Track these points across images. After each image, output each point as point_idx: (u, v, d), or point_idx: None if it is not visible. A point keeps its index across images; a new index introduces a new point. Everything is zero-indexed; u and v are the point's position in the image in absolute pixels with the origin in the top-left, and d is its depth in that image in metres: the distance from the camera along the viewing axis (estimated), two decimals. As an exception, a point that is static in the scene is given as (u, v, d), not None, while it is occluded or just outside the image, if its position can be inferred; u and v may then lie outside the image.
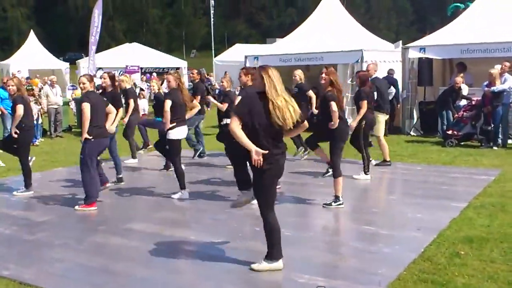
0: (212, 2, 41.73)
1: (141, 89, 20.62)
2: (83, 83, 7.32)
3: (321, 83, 7.39)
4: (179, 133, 7.80)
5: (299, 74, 10.41)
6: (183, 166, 8.01)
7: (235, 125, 4.59)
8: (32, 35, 28.45)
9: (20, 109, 8.02)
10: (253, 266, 4.94)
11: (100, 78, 15.20)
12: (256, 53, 17.70)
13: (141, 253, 5.53)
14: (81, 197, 7.63)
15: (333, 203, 7.01)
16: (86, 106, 7.13)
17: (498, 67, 11.78)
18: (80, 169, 7.32)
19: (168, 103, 7.64)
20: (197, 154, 11.24)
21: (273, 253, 4.86)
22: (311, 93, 10.21)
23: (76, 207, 7.31)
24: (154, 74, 25.54)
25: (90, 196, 7.28)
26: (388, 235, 5.95)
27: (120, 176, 8.94)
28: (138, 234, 6.20)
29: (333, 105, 7.05)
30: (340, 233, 6.39)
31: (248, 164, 5.08)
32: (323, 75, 7.25)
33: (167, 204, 7.57)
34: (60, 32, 65.47)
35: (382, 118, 9.67)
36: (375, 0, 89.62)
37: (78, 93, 17.76)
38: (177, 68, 28.37)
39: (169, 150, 7.91)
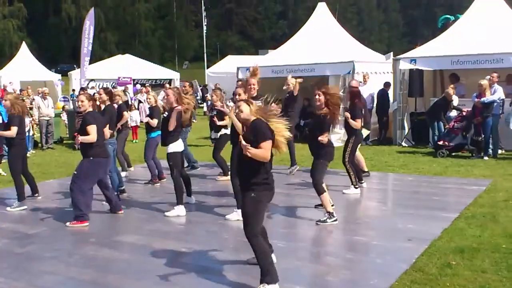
0: (204, 14, 41.92)
1: (140, 102, 20.63)
2: (81, 101, 7.23)
3: (317, 105, 7.20)
4: (177, 146, 7.73)
5: (292, 83, 10.24)
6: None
7: (269, 150, 4.59)
8: (24, 47, 28.44)
9: (13, 131, 8.00)
10: None
11: (91, 88, 14.98)
12: (249, 64, 17.72)
13: (131, 265, 5.50)
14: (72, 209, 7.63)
15: (328, 220, 6.92)
16: (93, 129, 7.03)
17: (483, 82, 11.85)
18: (71, 186, 7.13)
19: (173, 122, 7.58)
20: (190, 166, 11.29)
21: (272, 276, 4.58)
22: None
23: (67, 223, 7.13)
24: (147, 86, 25.54)
25: (80, 214, 7.11)
26: (380, 245, 5.95)
27: (122, 188, 8.98)
28: (129, 246, 6.17)
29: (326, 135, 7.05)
30: (331, 243, 6.38)
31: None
32: (317, 96, 7.08)
33: (158, 216, 7.53)
34: (52, 44, 65.25)
35: (363, 132, 9.71)
36: (366, 12, 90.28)
37: (60, 105, 17.69)
38: (170, 80, 28.44)
39: (170, 164, 7.67)
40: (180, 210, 7.59)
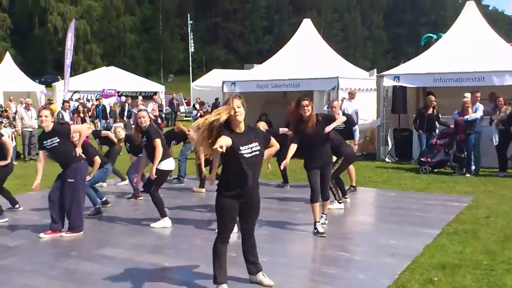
0: (190, 27, 41.99)
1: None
2: (45, 116, 7.06)
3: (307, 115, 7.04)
4: (170, 164, 7.71)
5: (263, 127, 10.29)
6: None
7: None
8: (8, 57, 28.22)
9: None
10: None
11: (75, 100, 14.84)
12: (234, 78, 17.83)
13: (113, 279, 5.44)
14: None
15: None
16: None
17: (468, 95, 12.04)
18: (73, 194, 7.05)
19: (158, 142, 7.47)
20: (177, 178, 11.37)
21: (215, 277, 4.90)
22: (282, 130, 10.26)
23: (63, 233, 7.11)
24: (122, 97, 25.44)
25: (80, 224, 7.18)
26: (362, 261, 5.97)
27: (103, 199, 8.93)
28: (111, 260, 6.11)
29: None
30: (314, 259, 6.39)
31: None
32: (306, 107, 6.93)
33: (142, 229, 7.48)
34: (37, 55, 64.96)
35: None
36: (351, 29, 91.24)
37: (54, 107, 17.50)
38: (155, 93, 28.39)
39: (156, 179, 7.53)
40: (165, 221, 7.58)
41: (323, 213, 7.41)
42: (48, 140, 7.11)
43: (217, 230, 4.88)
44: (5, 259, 6.16)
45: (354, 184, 10.07)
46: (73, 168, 7.15)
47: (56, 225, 7.19)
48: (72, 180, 7.11)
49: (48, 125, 7.10)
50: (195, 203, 9.24)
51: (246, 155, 4.65)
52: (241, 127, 4.74)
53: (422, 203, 9.04)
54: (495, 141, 11.63)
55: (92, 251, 6.45)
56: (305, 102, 6.83)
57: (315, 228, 7.04)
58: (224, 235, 4.85)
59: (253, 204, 4.91)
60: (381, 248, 6.40)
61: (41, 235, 7.07)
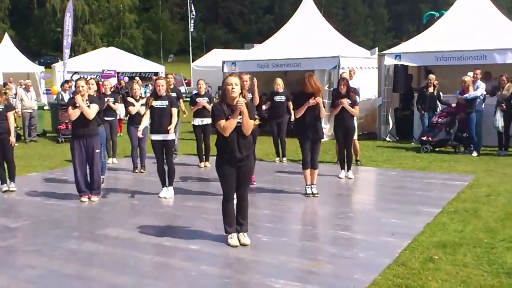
0: (190, 7, 41.63)
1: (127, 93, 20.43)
2: (82, 86, 7.75)
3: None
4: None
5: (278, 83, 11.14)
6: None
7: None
8: (6, 38, 28.04)
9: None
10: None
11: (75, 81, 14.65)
12: (234, 58, 17.72)
13: (115, 259, 5.47)
14: (56, 203, 7.77)
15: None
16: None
17: (471, 74, 11.98)
18: (96, 162, 7.86)
19: (175, 111, 8.05)
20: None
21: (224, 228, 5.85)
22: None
23: (94, 198, 7.96)
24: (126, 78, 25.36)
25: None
26: (363, 240, 5.99)
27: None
28: (113, 240, 6.13)
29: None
30: (315, 238, 6.40)
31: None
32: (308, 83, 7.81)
33: (143, 210, 7.51)
34: (36, 36, 64.53)
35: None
36: (352, 7, 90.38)
37: (55, 89, 17.38)
38: (156, 73, 28.25)
39: (170, 149, 8.12)
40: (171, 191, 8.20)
41: (312, 184, 8.03)
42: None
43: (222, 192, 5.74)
44: (7, 240, 6.18)
45: (358, 158, 10.60)
46: (98, 139, 7.99)
47: (85, 192, 7.99)
48: (98, 151, 7.95)
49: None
50: (195, 183, 9.24)
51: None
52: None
53: (423, 182, 9.05)
54: (501, 126, 11.49)
55: (94, 231, 6.47)
56: (308, 75, 7.82)
57: (305, 190, 8.00)
58: (226, 195, 5.72)
59: (246, 171, 5.68)
60: (382, 227, 6.42)
61: (83, 199, 7.93)
